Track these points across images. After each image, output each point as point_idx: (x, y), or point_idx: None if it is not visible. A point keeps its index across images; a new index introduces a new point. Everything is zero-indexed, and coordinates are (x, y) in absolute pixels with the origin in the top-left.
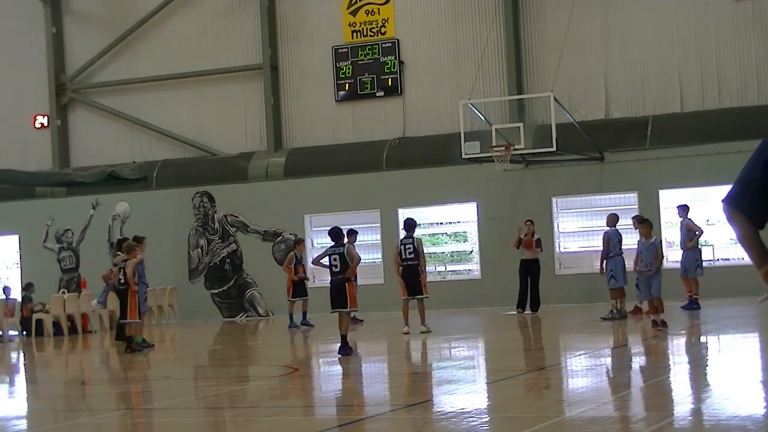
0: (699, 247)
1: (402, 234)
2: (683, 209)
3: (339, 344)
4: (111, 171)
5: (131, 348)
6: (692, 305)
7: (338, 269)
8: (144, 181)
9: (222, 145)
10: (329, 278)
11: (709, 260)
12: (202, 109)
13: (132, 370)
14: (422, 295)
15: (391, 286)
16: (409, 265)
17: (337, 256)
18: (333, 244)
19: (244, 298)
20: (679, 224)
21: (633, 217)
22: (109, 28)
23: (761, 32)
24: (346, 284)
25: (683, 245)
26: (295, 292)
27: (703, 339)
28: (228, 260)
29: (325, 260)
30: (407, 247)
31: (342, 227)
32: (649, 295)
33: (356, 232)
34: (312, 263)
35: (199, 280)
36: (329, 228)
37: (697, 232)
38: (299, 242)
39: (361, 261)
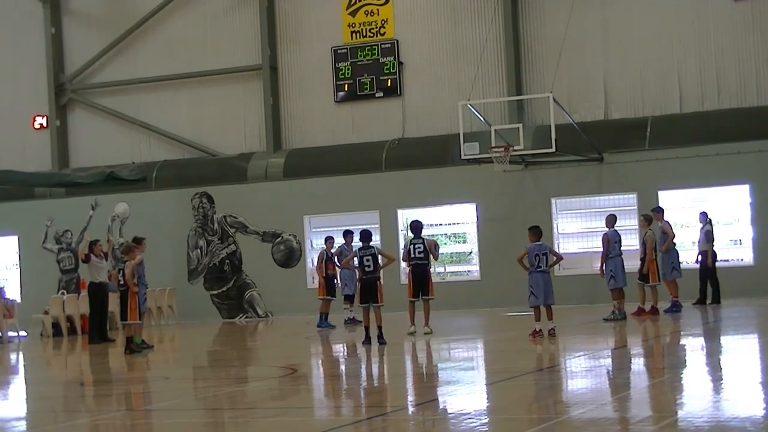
0: (676, 249)
1: (410, 235)
2: (659, 211)
3: (363, 338)
4: (110, 172)
5: (130, 349)
6: (674, 308)
7: (371, 268)
8: (143, 182)
9: (221, 145)
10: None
11: None
12: (202, 109)
13: (131, 371)
14: (429, 295)
15: (391, 287)
16: (418, 264)
17: (369, 257)
18: (361, 245)
19: (244, 299)
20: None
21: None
22: (108, 28)
23: (760, 33)
24: (377, 282)
25: (659, 248)
26: (328, 291)
27: (702, 340)
28: (227, 261)
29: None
30: (417, 246)
31: (341, 228)
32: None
33: (352, 233)
34: (344, 265)
35: (198, 281)
36: (362, 230)
37: (670, 236)
38: (328, 240)
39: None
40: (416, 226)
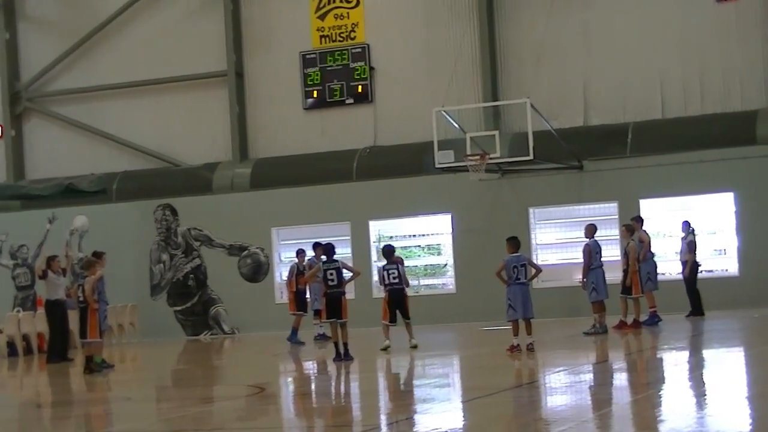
0: (653, 260)
1: (382, 261)
2: (638, 221)
3: (333, 355)
4: (68, 183)
5: (90, 368)
6: (653, 319)
7: (335, 283)
8: (103, 194)
9: (185, 155)
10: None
11: None
12: (165, 118)
13: (91, 391)
14: (406, 318)
15: (362, 302)
16: (395, 289)
17: (333, 271)
18: (325, 260)
19: (209, 315)
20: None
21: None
22: (66, 33)
23: (743, 36)
24: (342, 297)
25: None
26: (299, 305)
27: (686, 354)
28: (192, 276)
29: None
30: (391, 272)
31: (311, 241)
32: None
33: (322, 245)
34: (305, 280)
35: (161, 297)
36: (326, 243)
37: (646, 243)
38: (300, 253)
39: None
40: (388, 251)
